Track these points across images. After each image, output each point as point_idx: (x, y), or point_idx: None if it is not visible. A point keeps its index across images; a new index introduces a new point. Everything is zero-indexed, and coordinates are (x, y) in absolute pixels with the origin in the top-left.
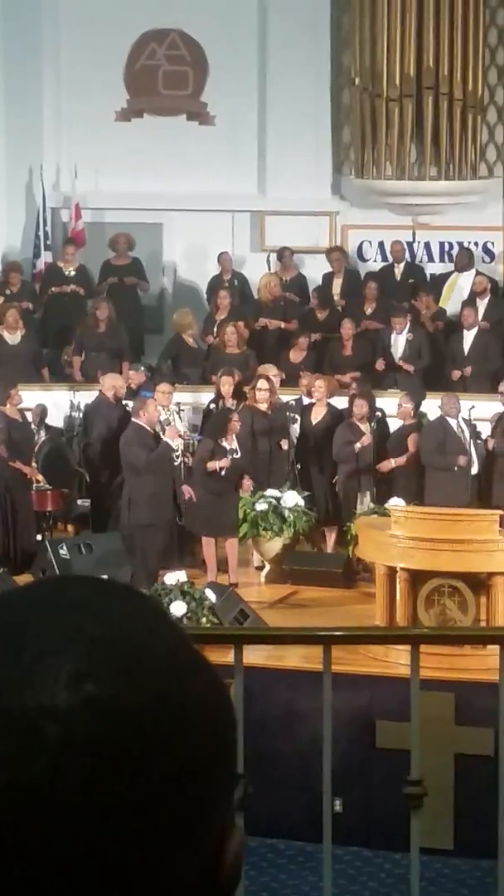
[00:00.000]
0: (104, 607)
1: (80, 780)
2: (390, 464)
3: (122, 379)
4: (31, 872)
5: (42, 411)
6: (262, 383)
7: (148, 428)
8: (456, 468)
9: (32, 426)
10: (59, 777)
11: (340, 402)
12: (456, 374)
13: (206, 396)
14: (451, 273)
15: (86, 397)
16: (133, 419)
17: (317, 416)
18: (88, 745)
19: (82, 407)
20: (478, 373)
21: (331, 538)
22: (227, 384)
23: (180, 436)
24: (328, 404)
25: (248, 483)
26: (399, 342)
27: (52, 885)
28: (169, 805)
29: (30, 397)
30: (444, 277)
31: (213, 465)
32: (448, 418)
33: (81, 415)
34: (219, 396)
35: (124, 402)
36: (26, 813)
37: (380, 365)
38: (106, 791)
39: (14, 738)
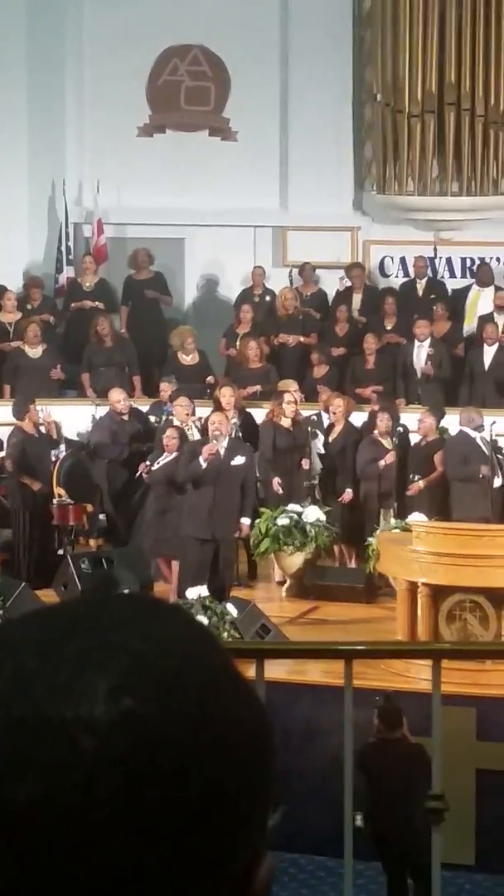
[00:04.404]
0: (149, 625)
1: (111, 796)
2: (419, 486)
3: (122, 392)
4: (55, 890)
5: (56, 427)
6: (288, 397)
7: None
8: (480, 476)
9: (55, 441)
10: (90, 792)
11: (361, 417)
12: None
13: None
14: (470, 288)
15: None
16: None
17: (334, 434)
18: (122, 760)
19: None
20: (500, 389)
21: (351, 555)
22: (227, 395)
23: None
24: (346, 422)
25: (277, 481)
26: (420, 356)
27: None
28: (198, 827)
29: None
30: (464, 293)
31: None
32: (469, 432)
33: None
34: (218, 408)
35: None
36: (54, 828)
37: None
38: (135, 809)
39: (49, 749)
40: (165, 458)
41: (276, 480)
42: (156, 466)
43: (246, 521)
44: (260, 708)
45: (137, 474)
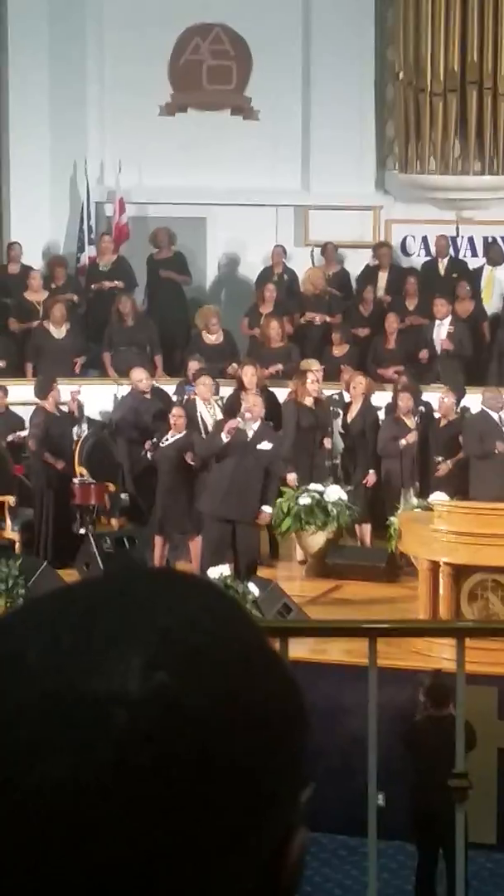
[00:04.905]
0: (178, 600)
1: (142, 772)
2: (447, 467)
3: (144, 371)
4: (84, 870)
5: (79, 406)
6: (312, 376)
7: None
8: (496, 453)
9: (76, 420)
10: (121, 770)
11: (384, 396)
12: None
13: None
14: (483, 268)
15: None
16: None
17: (352, 413)
18: (155, 736)
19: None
20: None
21: (366, 533)
22: (249, 374)
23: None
24: (365, 401)
25: (292, 476)
26: (441, 335)
27: (105, 883)
28: (230, 804)
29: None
30: (478, 273)
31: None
32: (490, 411)
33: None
34: (241, 387)
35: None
36: (83, 807)
37: (423, 355)
38: (166, 785)
39: (80, 726)
40: (174, 437)
41: (292, 476)
42: (164, 444)
43: (267, 509)
44: (291, 683)
45: (143, 452)
